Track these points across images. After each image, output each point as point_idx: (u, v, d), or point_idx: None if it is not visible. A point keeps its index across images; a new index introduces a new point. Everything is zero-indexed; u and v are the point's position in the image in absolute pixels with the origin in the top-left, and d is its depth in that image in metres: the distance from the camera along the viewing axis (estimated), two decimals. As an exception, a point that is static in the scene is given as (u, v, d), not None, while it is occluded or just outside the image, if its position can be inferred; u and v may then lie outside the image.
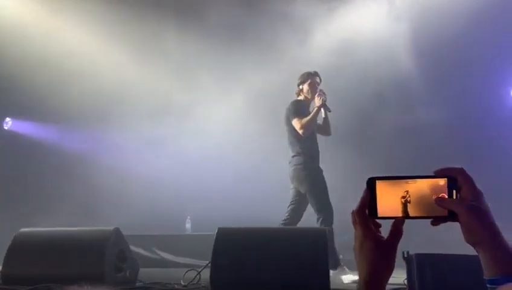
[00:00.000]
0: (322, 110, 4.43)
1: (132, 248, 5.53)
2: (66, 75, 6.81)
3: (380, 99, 6.73)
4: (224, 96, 7.08)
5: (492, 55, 6.29)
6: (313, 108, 4.40)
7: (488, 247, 0.82)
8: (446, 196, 0.85)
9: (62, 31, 6.85)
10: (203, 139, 7.01)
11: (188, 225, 6.39)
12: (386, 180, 0.88)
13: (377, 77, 6.61)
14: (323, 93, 4.39)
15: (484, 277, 0.81)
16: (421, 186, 0.86)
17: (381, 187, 0.88)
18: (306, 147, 4.35)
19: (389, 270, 0.87)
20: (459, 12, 6.09)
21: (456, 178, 0.85)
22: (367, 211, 0.89)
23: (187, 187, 6.67)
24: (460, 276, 2.06)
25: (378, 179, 0.89)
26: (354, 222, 0.89)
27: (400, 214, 0.88)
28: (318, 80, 4.52)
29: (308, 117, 4.26)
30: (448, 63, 6.42)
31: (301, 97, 4.51)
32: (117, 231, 3.32)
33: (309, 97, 4.45)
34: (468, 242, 0.84)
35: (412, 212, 0.87)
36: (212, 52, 6.98)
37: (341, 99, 6.44)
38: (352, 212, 0.89)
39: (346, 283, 3.75)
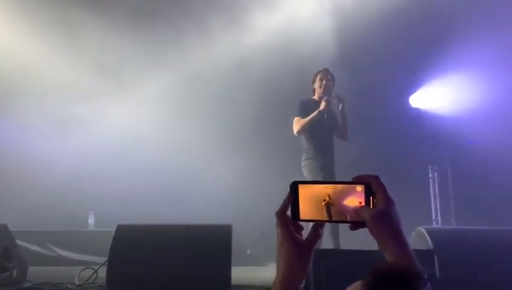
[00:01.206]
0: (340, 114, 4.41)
1: (27, 245, 5.16)
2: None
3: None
4: (132, 88, 6.83)
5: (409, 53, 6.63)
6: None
7: (392, 255, 0.84)
8: (363, 203, 0.88)
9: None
10: (113, 130, 6.70)
11: (90, 221, 6.07)
12: (309, 185, 0.91)
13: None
14: (341, 98, 4.35)
15: None
16: (341, 192, 0.89)
17: (303, 191, 0.91)
18: (310, 143, 4.35)
19: (303, 271, 0.89)
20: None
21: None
22: (290, 213, 0.91)
23: (92, 181, 6.33)
24: (351, 268, 2.15)
25: (300, 183, 0.91)
26: (276, 223, 0.92)
27: (320, 218, 0.90)
28: (329, 77, 4.45)
29: (305, 119, 4.29)
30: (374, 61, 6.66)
31: (315, 96, 4.49)
32: (3, 228, 3.03)
33: (321, 95, 4.39)
34: (379, 249, 0.86)
35: (332, 216, 0.90)
36: (129, 38, 6.68)
37: (270, 88, 6.52)
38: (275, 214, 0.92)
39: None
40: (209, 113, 6.94)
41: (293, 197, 0.91)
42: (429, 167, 7.01)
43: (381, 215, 0.85)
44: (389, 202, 0.86)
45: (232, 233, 3.01)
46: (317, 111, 4.27)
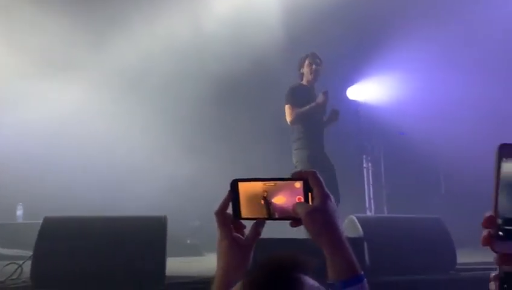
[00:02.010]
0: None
1: None
2: None
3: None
4: (67, 71, 6.50)
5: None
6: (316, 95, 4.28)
7: (327, 252, 0.84)
8: (302, 199, 0.87)
9: None
10: (46, 116, 6.34)
11: (19, 213, 5.74)
12: (248, 182, 0.90)
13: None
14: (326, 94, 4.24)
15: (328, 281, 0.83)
16: (280, 189, 0.88)
17: (243, 189, 0.90)
18: (302, 134, 4.26)
19: (242, 267, 0.90)
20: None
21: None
22: (231, 212, 0.90)
23: (22, 170, 5.98)
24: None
25: (240, 181, 0.90)
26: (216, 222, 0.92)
27: (262, 216, 0.89)
28: (318, 61, 4.35)
29: (302, 110, 4.17)
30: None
31: (304, 82, 4.38)
32: None
33: (311, 80, 4.31)
34: (316, 244, 0.86)
35: (273, 213, 0.89)
36: (74, 20, 6.34)
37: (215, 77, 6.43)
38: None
39: None
40: (153, 102, 6.77)
41: (233, 196, 0.90)
42: (364, 157, 7.29)
43: (315, 212, 0.85)
44: (325, 197, 0.86)
45: (173, 223, 2.97)
46: (315, 104, 4.20)
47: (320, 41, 6.25)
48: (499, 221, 0.55)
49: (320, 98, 4.21)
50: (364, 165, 7.24)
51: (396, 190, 6.87)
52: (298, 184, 0.87)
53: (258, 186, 0.89)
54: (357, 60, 6.68)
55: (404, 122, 6.74)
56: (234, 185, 0.90)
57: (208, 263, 4.67)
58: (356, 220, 3.20)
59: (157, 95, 6.74)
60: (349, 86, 7.23)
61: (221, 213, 0.91)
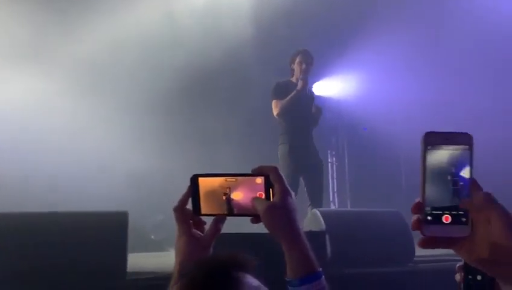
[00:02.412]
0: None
1: None
2: None
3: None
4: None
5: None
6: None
7: (285, 248, 0.84)
8: (264, 194, 0.86)
9: None
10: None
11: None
12: (209, 178, 0.88)
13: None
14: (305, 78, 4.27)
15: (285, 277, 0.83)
16: (241, 184, 0.87)
17: (204, 184, 0.88)
18: (285, 128, 4.30)
19: None
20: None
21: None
22: (191, 208, 0.89)
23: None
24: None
25: (200, 177, 0.88)
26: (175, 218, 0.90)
27: (222, 212, 0.89)
28: (309, 60, 4.36)
29: (284, 100, 4.19)
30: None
31: (293, 79, 4.38)
32: None
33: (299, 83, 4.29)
34: (275, 240, 0.85)
35: (234, 209, 0.88)
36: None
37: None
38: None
39: None
40: (118, 94, 6.61)
41: (193, 191, 0.89)
42: (328, 151, 7.40)
43: (274, 208, 0.84)
44: (285, 193, 0.86)
45: (137, 218, 2.92)
46: (295, 91, 4.22)
47: (290, 36, 6.29)
48: (427, 209, 0.57)
49: (299, 84, 4.26)
50: (329, 160, 7.35)
51: (360, 184, 7.01)
52: (259, 180, 0.87)
53: (218, 181, 0.88)
54: (325, 56, 6.76)
55: (367, 118, 6.88)
56: (194, 180, 0.89)
57: (171, 259, 4.62)
58: (319, 214, 3.24)
59: (124, 87, 6.59)
60: (315, 82, 7.30)
61: (180, 209, 0.90)
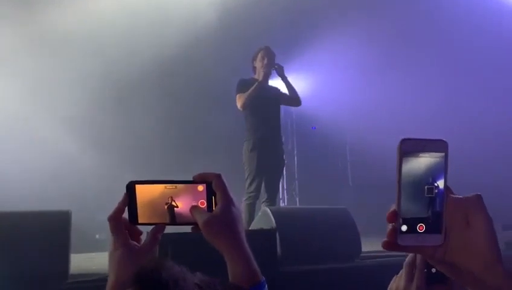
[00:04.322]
0: (283, 81, 4.33)
1: None
2: None
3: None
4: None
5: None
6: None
7: (227, 258, 0.81)
8: (205, 203, 0.83)
9: None
10: None
11: None
12: (147, 185, 0.83)
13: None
14: (279, 66, 4.28)
15: None
16: (182, 192, 0.83)
17: (142, 192, 0.83)
18: (250, 124, 4.25)
19: None
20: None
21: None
22: (127, 217, 0.83)
23: None
24: (198, 251, 2.17)
25: (138, 184, 0.83)
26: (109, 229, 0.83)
27: (162, 221, 0.84)
28: (270, 55, 4.31)
29: (247, 92, 4.13)
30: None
31: (256, 76, 4.33)
32: None
33: (262, 75, 4.25)
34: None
35: (174, 218, 0.83)
36: None
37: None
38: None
39: None
40: (64, 87, 6.32)
41: (129, 199, 0.83)
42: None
43: (213, 220, 0.81)
44: (227, 203, 0.82)
45: (80, 217, 2.79)
46: (257, 83, 4.21)
47: (251, 31, 6.28)
48: (402, 218, 0.58)
49: (261, 76, 4.29)
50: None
51: (308, 183, 7.14)
52: (201, 187, 0.83)
53: (157, 189, 0.83)
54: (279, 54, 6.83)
55: (316, 117, 7.01)
56: (131, 187, 0.83)
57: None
58: (269, 212, 3.26)
59: (73, 81, 6.31)
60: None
61: (116, 218, 0.83)
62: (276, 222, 3.14)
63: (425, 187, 0.57)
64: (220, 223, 0.81)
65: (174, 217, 0.84)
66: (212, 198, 0.83)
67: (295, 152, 7.50)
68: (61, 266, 2.50)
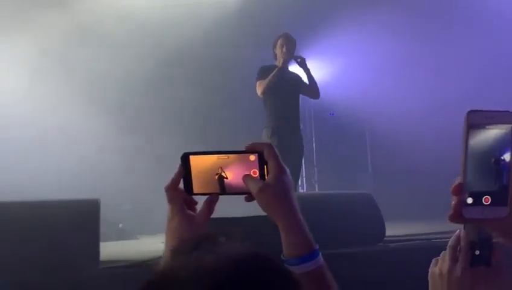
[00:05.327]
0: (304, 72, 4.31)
1: None
2: None
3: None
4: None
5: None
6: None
7: (281, 227, 0.82)
8: (258, 172, 0.84)
9: None
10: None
11: None
12: (200, 156, 0.85)
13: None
14: (300, 57, 4.29)
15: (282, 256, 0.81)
16: (234, 162, 0.84)
17: (195, 163, 0.85)
18: (269, 110, 4.25)
19: None
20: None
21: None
22: (183, 187, 0.86)
23: None
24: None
25: (192, 155, 0.85)
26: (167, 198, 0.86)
27: (215, 191, 0.86)
28: (290, 43, 4.30)
29: (267, 78, 4.13)
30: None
31: (277, 62, 4.33)
32: None
33: (282, 62, 4.26)
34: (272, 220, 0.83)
35: (227, 188, 0.85)
36: None
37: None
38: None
39: None
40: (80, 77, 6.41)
41: (184, 170, 0.86)
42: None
43: (268, 188, 0.82)
44: (279, 171, 0.83)
45: (104, 207, 2.85)
46: (276, 69, 4.21)
47: (270, 15, 6.26)
48: (467, 191, 0.58)
49: (280, 62, 4.27)
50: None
51: (327, 169, 7.13)
52: (253, 157, 0.84)
53: (210, 159, 0.85)
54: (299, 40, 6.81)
55: (333, 103, 6.96)
56: (185, 159, 0.86)
57: (141, 246, 4.59)
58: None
59: (88, 70, 6.40)
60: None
61: (172, 188, 0.86)
62: (300, 207, 3.15)
63: (492, 160, 0.57)
64: (275, 190, 0.82)
65: (226, 187, 0.86)
66: (264, 167, 0.84)
67: (313, 139, 7.49)
68: (93, 252, 2.57)
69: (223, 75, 6.66)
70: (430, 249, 2.78)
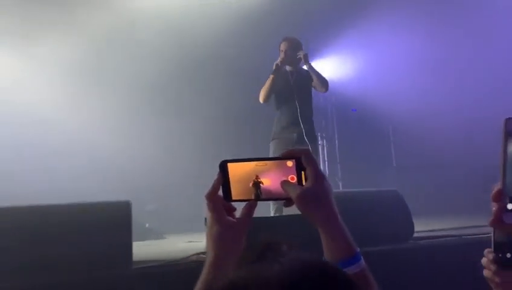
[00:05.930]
0: (305, 66, 4.28)
1: None
2: None
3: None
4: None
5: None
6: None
7: (322, 231, 0.82)
8: (295, 178, 0.85)
9: None
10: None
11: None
12: (238, 163, 0.87)
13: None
14: (302, 52, 4.22)
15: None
16: (272, 168, 0.86)
17: (233, 170, 0.87)
18: (277, 116, 4.26)
19: (235, 253, 0.86)
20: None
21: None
22: (222, 194, 0.88)
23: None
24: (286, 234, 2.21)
25: (229, 162, 0.87)
26: (207, 206, 0.88)
27: (252, 197, 0.87)
28: (289, 47, 4.27)
29: (266, 83, 4.16)
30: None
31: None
32: None
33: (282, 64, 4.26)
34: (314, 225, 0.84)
35: (264, 194, 0.86)
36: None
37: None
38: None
39: None
40: (106, 77, 6.51)
41: (223, 178, 0.88)
42: (318, 134, 7.43)
43: (307, 194, 0.83)
44: (318, 177, 0.84)
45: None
46: (273, 69, 4.15)
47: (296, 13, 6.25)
48: (508, 197, 0.59)
49: (274, 66, 4.19)
50: (320, 142, 7.40)
51: (350, 166, 7.08)
52: (290, 163, 0.85)
53: (248, 167, 0.87)
54: (315, 38, 6.76)
55: (355, 99, 6.92)
56: (223, 166, 0.88)
57: (170, 245, 4.65)
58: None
59: (117, 71, 6.50)
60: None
61: (212, 196, 0.88)
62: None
63: None
64: (314, 195, 0.83)
65: (264, 193, 0.87)
66: (301, 173, 0.85)
67: (336, 136, 7.45)
68: (126, 253, 2.62)
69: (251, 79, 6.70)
70: (462, 246, 2.75)
